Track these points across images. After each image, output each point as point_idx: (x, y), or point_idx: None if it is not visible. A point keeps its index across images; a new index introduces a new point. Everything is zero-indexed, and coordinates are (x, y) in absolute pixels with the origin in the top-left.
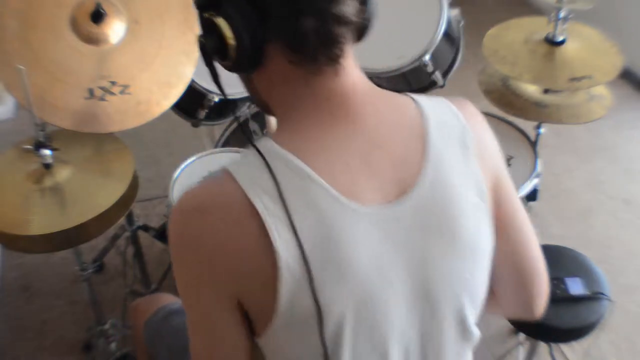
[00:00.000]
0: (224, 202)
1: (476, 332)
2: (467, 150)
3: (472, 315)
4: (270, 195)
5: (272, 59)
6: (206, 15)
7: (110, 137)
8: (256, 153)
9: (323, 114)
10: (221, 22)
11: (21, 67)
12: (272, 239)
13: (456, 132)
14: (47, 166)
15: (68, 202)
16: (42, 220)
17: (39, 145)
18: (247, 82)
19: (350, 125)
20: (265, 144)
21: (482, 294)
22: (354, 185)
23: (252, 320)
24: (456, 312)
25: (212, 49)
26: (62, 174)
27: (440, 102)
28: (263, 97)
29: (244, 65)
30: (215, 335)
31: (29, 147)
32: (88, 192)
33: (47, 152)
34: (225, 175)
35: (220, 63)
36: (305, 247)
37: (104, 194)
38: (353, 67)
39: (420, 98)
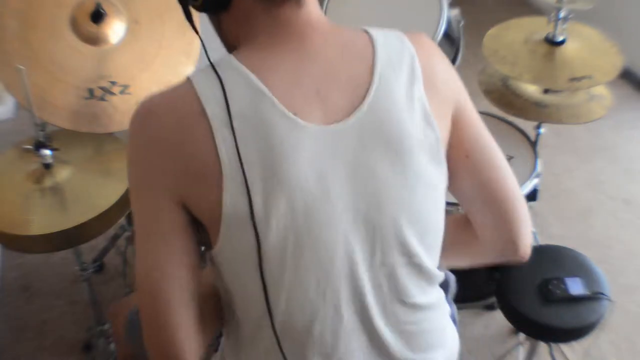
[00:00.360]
0: (178, 104)
1: (433, 271)
2: (415, 79)
3: (421, 248)
4: (219, 101)
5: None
6: None
7: (110, 137)
8: (212, 65)
9: (282, 40)
10: None
11: (21, 67)
12: (217, 142)
13: (405, 61)
14: (47, 166)
15: (68, 202)
16: (42, 220)
17: (39, 145)
18: (217, 25)
19: (306, 51)
20: (224, 58)
21: (430, 224)
22: (302, 105)
23: (205, 230)
24: (396, 236)
25: None
26: (62, 174)
27: (391, 34)
28: (231, 39)
29: (212, 4)
30: (161, 240)
31: (29, 147)
32: (88, 192)
33: (47, 152)
34: (185, 81)
35: (191, 4)
36: (244, 153)
37: (104, 194)
38: (314, 3)
39: (374, 30)
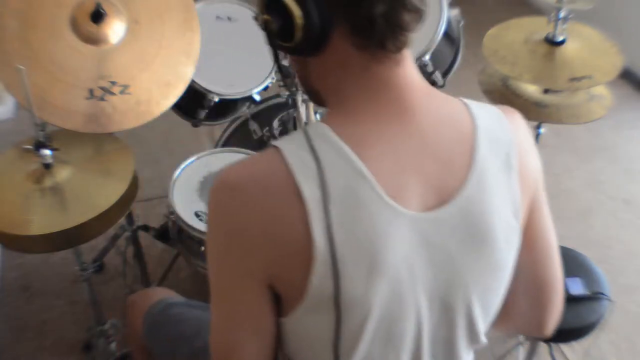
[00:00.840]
0: (270, 183)
1: (484, 341)
2: (511, 170)
3: (483, 325)
4: (315, 180)
5: (334, 43)
6: None
7: (111, 137)
8: (305, 135)
9: (379, 105)
10: (289, 1)
11: (21, 67)
12: (312, 225)
13: (503, 148)
14: (47, 166)
15: (68, 202)
16: (42, 221)
17: (39, 145)
18: (302, 67)
19: (405, 122)
20: (318, 128)
21: (496, 307)
22: (400, 186)
23: (281, 301)
24: (467, 318)
25: (276, 28)
26: (62, 174)
27: (491, 112)
28: (316, 84)
29: (307, 47)
30: (239, 310)
31: (29, 147)
32: (88, 192)
33: (47, 152)
34: (273, 152)
35: (281, 46)
36: (340, 238)
37: (104, 194)
38: (411, 60)
39: (473, 104)
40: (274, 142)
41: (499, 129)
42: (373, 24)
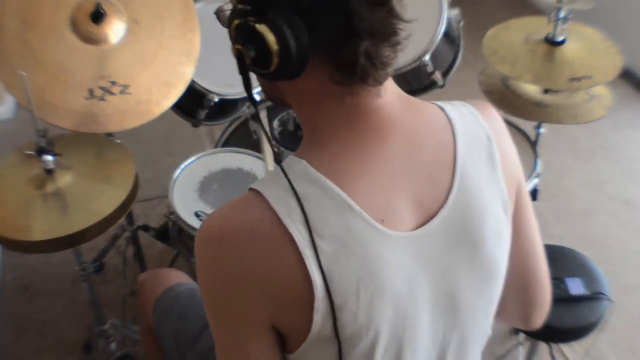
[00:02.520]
0: (259, 229)
1: (489, 332)
2: (495, 165)
3: (488, 325)
4: (301, 220)
5: (310, 72)
6: (248, 21)
7: (112, 142)
8: (284, 176)
9: (357, 133)
10: (264, 29)
11: (23, 73)
12: (307, 264)
13: (483, 146)
14: (49, 171)
15: (69, 207)
16: (44, 226)
17: (41, 151)
18: (273, 89)
19: (385, 145)
20: (296, 165)
21: (497, 300)
22: (388, 209)
23: (285, 339)
24: (476, 321)
25: (252, 56)
26: (64, 179)
27: (465, 111)
28: (284, 99)
29: (282, 74)
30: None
31: (30, 152)
32: (89, 198)
33: (49, 157)
34: (256, 198)
35: (256, 72)
36: (335, 276)
37: (104, 201)
38: (391, 82)
39: (447, 108)
40: (253, 186)
41: (477, 128)
42: (356, 61)
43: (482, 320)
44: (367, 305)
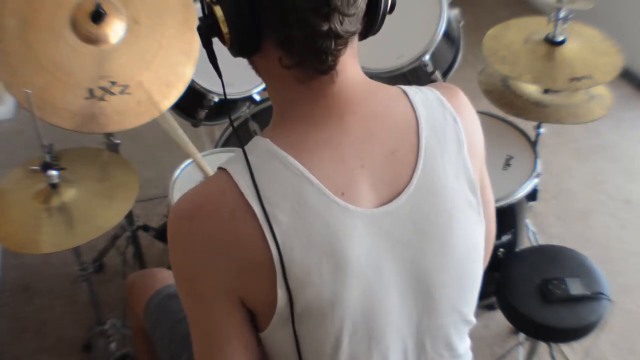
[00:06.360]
0: (222, 203)
1: (473, 321)
2: (462, 146)
3: (469, 306)
4: (255, 195)
5: (268, 51)
6: (211, 2)
7: (116, 155)
8: (243, 152)
9: (318, 110)
10: (217, 10)
11: (28, 90)
12: (268, 239)
13: (449, 128)
14: (54, 186)
15: (75, 221)
16: (51, 239)
17: (47, 166)
18: (258, 72)
19: (346, 123)
20: (258, 142)
21: (477, 285)
22: (349, 185)
23: (255, 317)
24: (449, 303)
25: (206, 31)
26: (69, 193)
27: (431, 95)
28: (265, 80)
29: (238, 50)
30: (219, 334)
31: (36, 167)
32: (94, 212)
33: (54, 172)
34: (220, 174)
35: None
36: (296, 249)
37: (108, 215)
38: (350, 65)
39: (411, 91)
40: (221, 164)
41: (442, 110)
42: (294, 49)
43: (460, 307)
44: (332, 280)
